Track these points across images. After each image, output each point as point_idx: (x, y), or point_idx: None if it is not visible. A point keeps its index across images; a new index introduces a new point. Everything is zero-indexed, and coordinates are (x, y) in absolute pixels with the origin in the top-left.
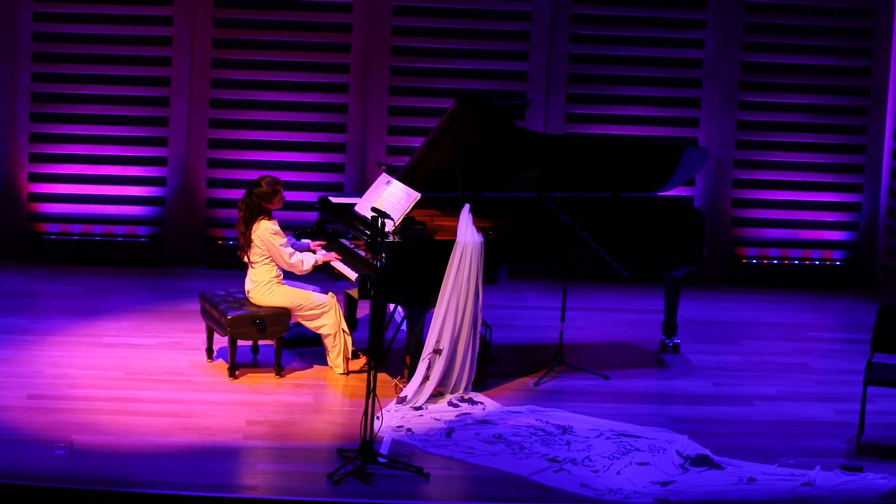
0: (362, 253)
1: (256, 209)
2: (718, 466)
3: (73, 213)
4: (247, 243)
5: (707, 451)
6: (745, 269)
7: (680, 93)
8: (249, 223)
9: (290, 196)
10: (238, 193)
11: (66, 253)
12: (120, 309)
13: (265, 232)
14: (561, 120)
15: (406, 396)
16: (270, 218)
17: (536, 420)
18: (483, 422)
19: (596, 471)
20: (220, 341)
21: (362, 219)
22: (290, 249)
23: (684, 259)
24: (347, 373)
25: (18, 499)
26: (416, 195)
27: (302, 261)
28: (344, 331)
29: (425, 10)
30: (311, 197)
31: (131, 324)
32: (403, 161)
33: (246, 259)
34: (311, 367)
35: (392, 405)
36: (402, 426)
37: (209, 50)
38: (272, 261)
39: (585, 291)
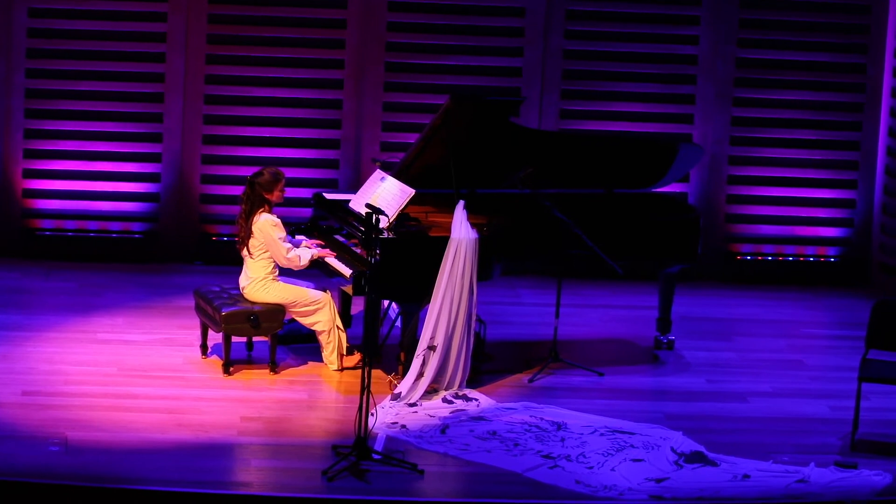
0: (357, 249)
1: (258, 200)
2: (713, 463)
3: (67, 209)
4: (246, 235)
5: (701, 448)
6: (739, 266)
7: (674, 89)
8: (250, 215)
9: (285, 192)
10: (232, 189)
11: (61, 249)
12: (114, 305)
13: (265, 223)
14: (555, 116)
15: (400, 393)
16: (271, 211)
17: (531, 416)
18: (477, 418)
19: (590, 467)
20: (215, 338)
21: (357, 215)
22: (288, 245)
23: (679, 255)
24: (342, 369)
25: (12, 495)
26: (411, 191)
27: (299, 256)
28: (338, 327)
29: (420, 6)
30: (305, 193)
31: (125, 320)
32: (398, 157)
33: (244, 252)
34: (305, 363)
35: (386, 402)
36: (397, 423)
37: (203, 46)
38: (270, 255)
39: (580, 288)
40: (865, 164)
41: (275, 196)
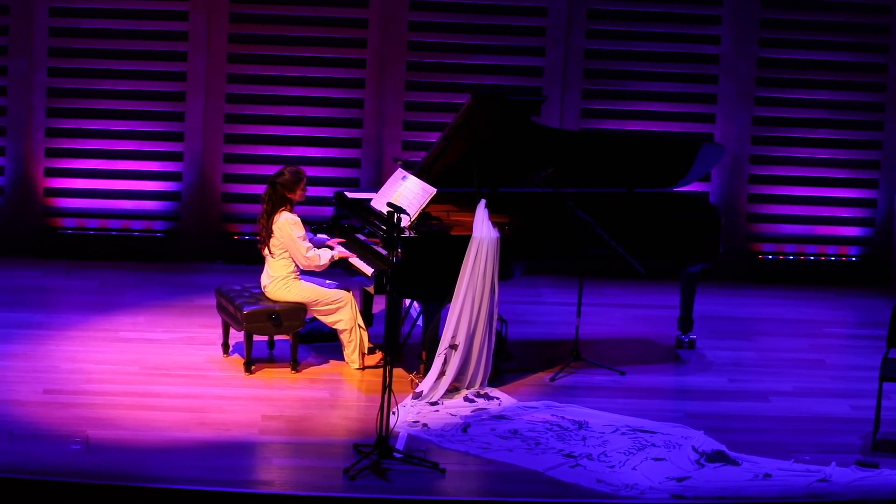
0: (378, 248)
1: (280, 200)
2: (734, 462)
3: (89, 207)
4: (267, 234)
5: (723, 447)
6: (760, 265)
7: (696, 88)
8: (271, 214)
9: (307, 191)
10: (254, 188)
11: (82, 248)
12: (136, 304)
13: (285, 223)
14: (577, 116)
15: (422, 392)
16: (292, 210)
17: (552, 415)
18: (499, 417)
19: (612, 466)
20: (236, 336)
21: (378, 214)
22: (308, 244)
23: (700, 255)
24: (363, 368)
25: (34, 493)
26: (432, 190)
27: (318, 255)
28: (360, 326)
29: (441, 5)
30: (327, 192)
31: (147, 319)
32: (419, 156)
33: (266, 251)
34: (326, 362)
35: (408, 400)
36: (418, 421)
37: (225, 45)
38: (290, 255)
39: (601, 287)
40: (887, 164)
41: (296, 195)
